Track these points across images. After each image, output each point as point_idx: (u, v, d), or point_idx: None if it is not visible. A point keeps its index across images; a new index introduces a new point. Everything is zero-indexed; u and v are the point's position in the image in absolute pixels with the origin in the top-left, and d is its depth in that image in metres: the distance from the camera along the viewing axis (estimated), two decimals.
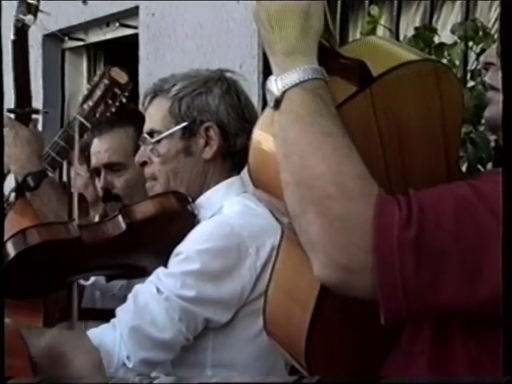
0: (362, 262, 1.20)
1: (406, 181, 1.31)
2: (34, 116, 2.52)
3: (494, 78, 1.40)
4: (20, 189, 2.42)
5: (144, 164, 2.16)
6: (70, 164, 3.10)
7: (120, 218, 2.08)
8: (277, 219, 2.01)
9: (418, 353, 1.37)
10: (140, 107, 3.30)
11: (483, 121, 2.29)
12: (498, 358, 1.24)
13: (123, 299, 2.33)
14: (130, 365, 1.89)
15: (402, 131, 1.31)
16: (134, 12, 5.17)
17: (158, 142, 2.11)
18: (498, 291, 1.16)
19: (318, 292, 1.37)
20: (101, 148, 2.58)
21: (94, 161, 2.60)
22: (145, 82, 4.91)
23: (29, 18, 2.44)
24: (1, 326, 0.92)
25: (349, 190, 1.21)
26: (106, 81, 2.52)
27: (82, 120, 2.47)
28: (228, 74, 2.17)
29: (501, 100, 1.35)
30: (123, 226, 2.07)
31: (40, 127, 5.14)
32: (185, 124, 2.09)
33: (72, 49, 6.26)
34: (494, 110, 1.38)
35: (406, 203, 1.20)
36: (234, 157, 2.12)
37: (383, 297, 1.21)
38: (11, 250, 2.01)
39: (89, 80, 6.28)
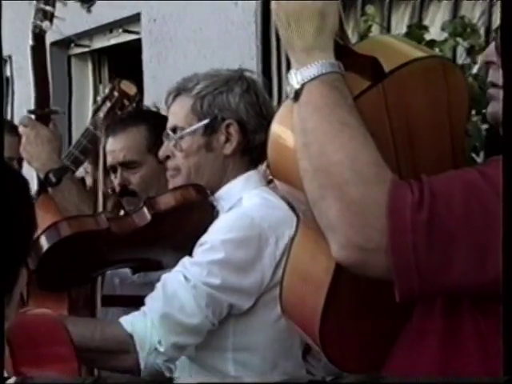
0: (377, 243, 1.21)
1: (415, 168, 1.32)
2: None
3: (495, 75, 1.40)
4: (42, 185, 2.42)
5: (167, 158, 2.16)
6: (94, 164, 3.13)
7: (145, 209, 2.10)
8: (293, 209, 2.05)
9: (429, 330, 1.38)
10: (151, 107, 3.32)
11: (473, 111, 2.30)
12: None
13: (141, 286, 2.35)
14: (162, 349, 1.91)
15: (411, 122, 1.32)
16: (136, 18, 5.16)
17: (181, 137, 2.11)
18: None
19: (332, 275, 1.38)
20: (116, 147, 2.58)
21: (109, 159, 2.59)
22: (149, 85, 4.92)
23: (46, 24, 2.45)
24: (1, 327, 0.91)
25: (365, 176, 1.23)
26: (116, 93, 2.54)
27: (95, 130, 2.50)
28: (247, 74, 2.17)
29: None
30: (148, 216, 2.08)
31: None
32: (207, 121, 2.09)
33: (77, 55, 6.26)
34: (497, 106, 1.38)
35: (418, 188, 1.21)
36: (252, 152, 2.12)
37: (398, 276, 1.22)
38: (45, 242, 2.01)
39: (94, 84, 6.29)
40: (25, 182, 1.20)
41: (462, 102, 1.37)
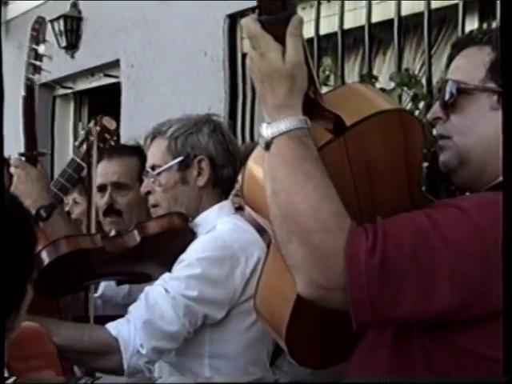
0: (336, 283, 1.24)
1: (375, 209, 1.33)
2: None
3: (442, 129, 1.44)
4: (34, 220, 2.42)
5: (148, 193, 2.20)
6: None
7: (136, 232, 2.13)
8: (260, 233, 2.09)
9: (381, 346, 1.40)
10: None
11: None
12: (448, 350, 1.29)
13: (124, 307, 2.36)
14: (143, 351, 1.94)
15: (370, 168, 1.34)
16: (115, 64, 5.19)
17: (159, 174, 2.16)
18: (447, 305, 1.23)
19: (297, 294, 1.39)
20: (109, 169, 2.61)
21: (101, 180, 2.60)
22: (126, 123, 4.93)
23: (37, 77, 2.47)
24: (1, 327, 0.91)
25: (327, 225, 1.25)
26: (98, 128, 2.57)
27: (79, 160, 2.51)
28: (214, 117, 2.23)
29: (452, 145, 1.41)
30: (138, 238, 2.12)
31: None
32: (181, 158, 2.13)
33: (62, 96, 6.25)
34: (447, 155, 1.43)
35: (372, 233, 1.23)
36: (222, 184, 2.18)
37: (354, 311, 1.25)
38: (45, 257, 2.03)
39: (74, 122, 6.28)
40: (24, 208, 1.21)
41: (417, 148, 1.38)
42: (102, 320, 2.25)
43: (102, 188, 2.61)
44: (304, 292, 1.28)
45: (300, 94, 1.32)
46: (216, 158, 2.14)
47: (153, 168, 2.17)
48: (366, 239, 1.22)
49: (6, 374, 1.10)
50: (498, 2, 2.92)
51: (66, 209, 3.27)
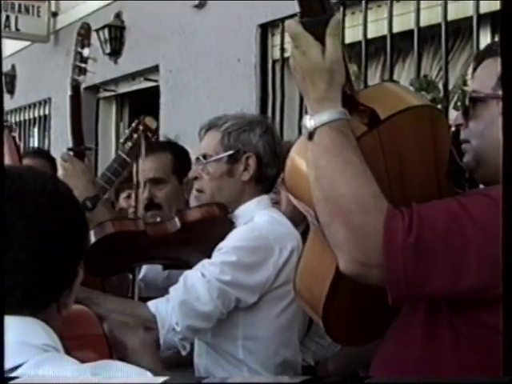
0: (376, 260, 1.24)
1: (406, 196, 1.33)
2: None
3: (463, 134, 1.46)
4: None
5: (195, 179, 2.19)
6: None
7: (176, 219, 2.13)
8: (295, 226, 2.08)
9: (413, 323, 1.41)
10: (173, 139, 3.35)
11: None
12: (473, 327, 1.30)
13: (163, 289, 2.37)
14: (178, 329, 1.93)
15: (402, 160, 1.35)
16: (155, 69, 5.20)
17: (209, 163, 2.14)
18: (475, 283, 1.24)
19: (334, 274, 1.39)
20: (145, 167, 2.58)
21: (139, 177, 2.59)
22: (164, 124, 4.95)
23: (82, 78, 2.48)
24: (1, 326, 0.86)
25: (366, 206, 1.26)
26: (141, 127, 2.59)
27: (124, 156, 2.53)
28: (267, 119, 2.23)
29: (471, 148, 1.43)
30: (178, 224, 2.12)
31: None
32: (231, 152, 2.12)
33: (105, 98, 6.28)
34: (468, 157, 1.44)
35: (408, 215, 1.24)
36: (264, 182, 2.16)
37: (390, 286, 1.26)
38: (92, 237, 2.05)
39: (116, 123, 6.32)
40: (75, 196, 1.23)
41: (444, 143, 1.39)
42: (145, 301, 2.28)
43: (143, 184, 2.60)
44: (345, 269, 1.28)
45: (339, 88, 1.33)
46: (263, 156, 2.12)
47: (204, 157, 2.15)
48: (402, 220, 1.23)
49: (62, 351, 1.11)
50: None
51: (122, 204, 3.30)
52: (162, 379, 0.99)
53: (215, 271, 1.97)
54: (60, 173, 2.47)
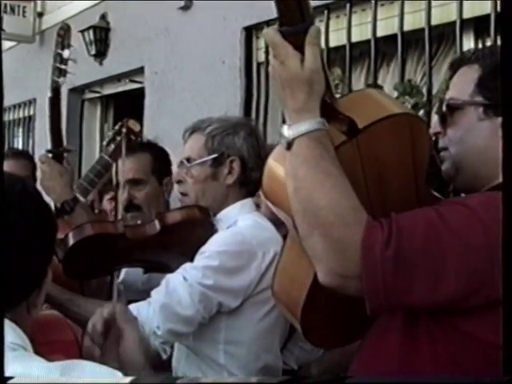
0: (354, 272, 1.24)
1: (384, 205, 1.33)
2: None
3: (441, 142, 1.45)
4: (58, 213, 2.41)
5: (179, 182, 2.18)
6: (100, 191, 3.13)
7: (156, 221, 2.11)
8: (277, 228, 2.06)
9: (391, 330, 1.40)
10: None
11: None
12: (452, 335, 1.29)
13: (143, 292, 2.35)
14: (159, 332, 1.91)
15: (381, 168, 1.34)
16: (140, 71, 5.18)
17: (193, 166, 2.12)
18: (455, 291, 1.23)
19: (312, 280, 1.38)
20: (125, 167, 2.55)
21: (119, 178, 2.58)
22: (148, 125, 4.93)
23: (62, 79, 2.47)
24: (1, 325, 0.90)
25: (346, 219, 1.24)
26: (124, 129, 2.57)
27: (107, 158, 2.52)
28: (251, 122, 2.20)
29: (449, 156, 1.43)
30: (158, 227, 2.10)
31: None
32: (215, 156, 2.10)
33: (90, 99, 6.25)
34: (447, 165, 1.44)
35: (387, 226, 1.23)
36: (248, 186, 2.14)
37: (368, 298, 1.25)
38: (71, 239, 2.03)
39: (101, 124, 6.28)
40: (42, 196, 1.23)
41: (423, 149, 1.39)
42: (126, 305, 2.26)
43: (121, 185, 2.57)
44: (324, 280, 1.27)
45: (318, 98, 1.32)
46: (247, 160, 2.11)
47: (188, 160, 2.14)
48: (381, 232, 1.22)
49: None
50: (492, 20, 2.96)
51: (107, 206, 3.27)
52: (129, 379, 0.99)
53: (197, 275, 1.95)
54: (39, 175, 2.46)
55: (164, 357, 2.00)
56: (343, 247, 1.24)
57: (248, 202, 2.15)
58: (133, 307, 1.94)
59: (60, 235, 2.26)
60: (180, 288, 1.95)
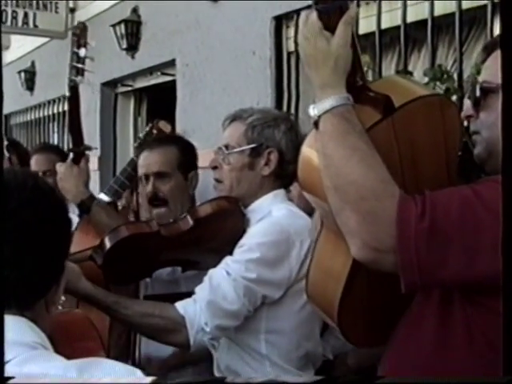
0: (388, 246, 1.23)
1: (418, 184, 1.32)
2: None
3: (474, 125, 1.44)
4: (81, 213, 2.44)
5: (215, 168, 2.17)
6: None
7: (188, 216, 2.12)
8: (310, 216, 2.06)
9: (426, 315, 1.39)
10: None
11: None
12: (487, 315, 1.28)
13: (169, 283, 2.36)
14: (208, 329, 1.94)
15: (415, 147, 1.34)
16: (171, 63, 5.19)
17: (230, 154, 2.13)
18: (489, 268, 1.20)
19: (349, 270, 1.39)
20: (151, 160, 2.55)
21: (143, 170, 2.57)
22: (181, 117, 4.95)
23: (79, 78, 2.46)
24: (1, 324, 0.86)
25: (376, 192, 1.24)
26: (154, 131, 2.58)
27: (137, 160, 2.55)
28: (292, 117, 2.22)
29: (481, 140, 1.41)
30: (191, 222, 2.11)
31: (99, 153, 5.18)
32: (254, 145, 2.11)
33: (123, 93, 6.29)
34: (479, 149, 1.42)
35: (421, 201, 1.23)
36: (283, 179, 2.15)
37: (403, 272, 1.24)
38: (107, 243, 2.03)
39: (134, 117, 6.32)
40: (55, 191, 1.22)
41: (455, 131, 1.38)
42: (151, 299, 2.25)
43: (145, 178, 2.57)
44: (358, 255, 1.27)
45: (342, 74, 1.31)
46: (285, 153, 2.11)
47: (226, 147, 2.14)
48: (415, 206, 1.21)
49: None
50: None
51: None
52: (150, 379, 0.97)
53: (240, 269, 1.96)
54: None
55: (214, 352, 2.02)
56: (376, 220, 1.23)
57: (281, 192, 2.15)
58: (179, 305, 1.96)
59: (83, 236, 2.27)
60: (224, 283, 1.96)
